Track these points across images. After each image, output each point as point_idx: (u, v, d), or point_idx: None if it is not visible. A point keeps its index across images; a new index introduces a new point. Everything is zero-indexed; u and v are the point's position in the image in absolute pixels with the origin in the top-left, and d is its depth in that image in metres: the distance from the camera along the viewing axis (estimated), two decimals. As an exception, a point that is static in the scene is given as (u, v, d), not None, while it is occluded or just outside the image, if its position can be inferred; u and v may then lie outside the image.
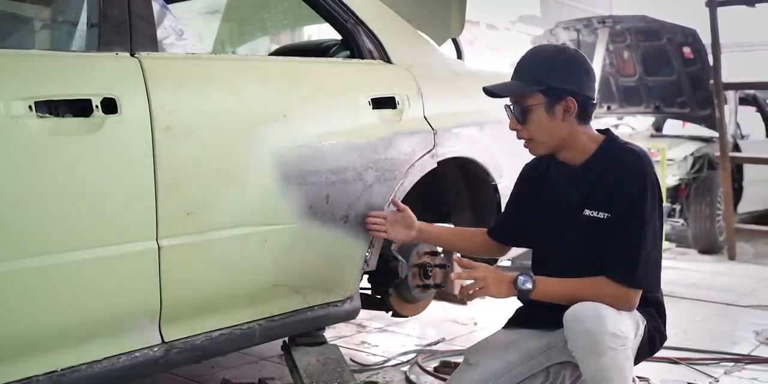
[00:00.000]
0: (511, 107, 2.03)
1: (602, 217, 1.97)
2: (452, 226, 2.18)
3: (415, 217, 2.30)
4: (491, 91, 2.04)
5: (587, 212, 1.99)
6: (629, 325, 1.93)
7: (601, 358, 1.84)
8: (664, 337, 2.09)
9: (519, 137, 2.06)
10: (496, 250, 2.32)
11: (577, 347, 1.88)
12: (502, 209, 2.31)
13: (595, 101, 2.06)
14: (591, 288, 1.93)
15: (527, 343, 2.10)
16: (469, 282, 1.97)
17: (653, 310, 2.07)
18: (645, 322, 2.01)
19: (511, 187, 2.30)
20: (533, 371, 2.09)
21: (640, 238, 1.91)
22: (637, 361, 2.06)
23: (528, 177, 2.23)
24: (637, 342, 1.99)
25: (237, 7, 3.70)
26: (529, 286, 1.93)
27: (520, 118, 2.01)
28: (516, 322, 2.19)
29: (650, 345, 2.04)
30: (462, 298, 3.26)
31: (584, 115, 2.02)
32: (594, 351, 1.84)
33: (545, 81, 1.98)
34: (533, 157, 2.17)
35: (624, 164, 1.96)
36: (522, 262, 4.27)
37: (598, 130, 2.10)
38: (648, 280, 1.94)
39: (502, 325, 2.23)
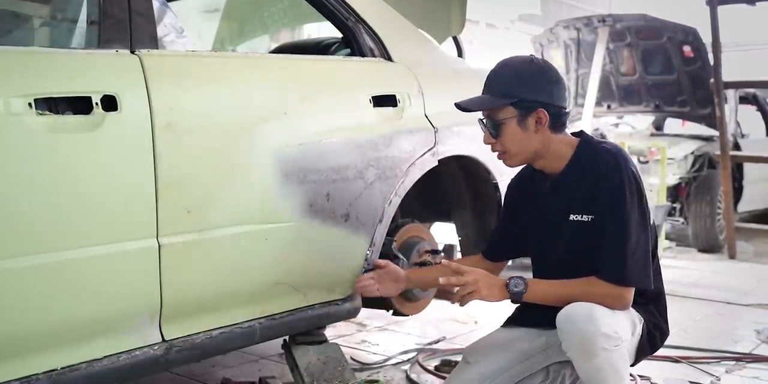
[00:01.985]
0: (484, 121, 2.03)
1: (586, 220, 1.97)
2: (444, 261, 2.18)
3: (399, 268, 2.30)
4: (462, 107, 2.04)
5: (572, 217, 2.00)
6: (624, 325, 1.92)
7: (595, 359, 1.83)
8: (665, 334, 2.09)
9: (493, 150, 2.07)
10: (495, 268, 2.28)
11: (570, 348, 1.88)
12: (503, 207, 2.31)
13: (567, 110, 2.07)
14: (583, 288, 1.92)
15: (526, 342, 2.10)
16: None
17: (652, 307, 2.06)
18: (642, 321, 2.01)
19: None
20: (532, 370, 2.09)
21: (624, 236, 1.91)
22: (638, 359, 2.05)
23: (514, 193, 2.23)
24: (635, 341, 1.99)
25: (237, 5, 3.69)
26: (521, 288, 1.94)
27: (492, 133, 2.02)
28: (515, 320, 2.19)
29: (651, 343, 2.04)
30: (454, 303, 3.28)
31: (557, 124, 2.02)
32: (587, 352, 1.84)
33: (515, 94, 1.98)
34: (518, 168, 2.18)
35: (599, 165, 1.96)
36: (522, 261, 4.26)
37: (573, 133, 2.09)
38: (637, 278, 1.93)
39: (501, 324, 2.22)
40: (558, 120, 2.01)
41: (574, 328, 1.84)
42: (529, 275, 2.13)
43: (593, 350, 1.83)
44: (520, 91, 1.98)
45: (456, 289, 1.98)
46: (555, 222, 2.04)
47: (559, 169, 2.04)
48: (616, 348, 1.85)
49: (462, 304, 1.96)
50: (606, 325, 1.83)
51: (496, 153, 2.07)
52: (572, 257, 2.01)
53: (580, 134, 2.09)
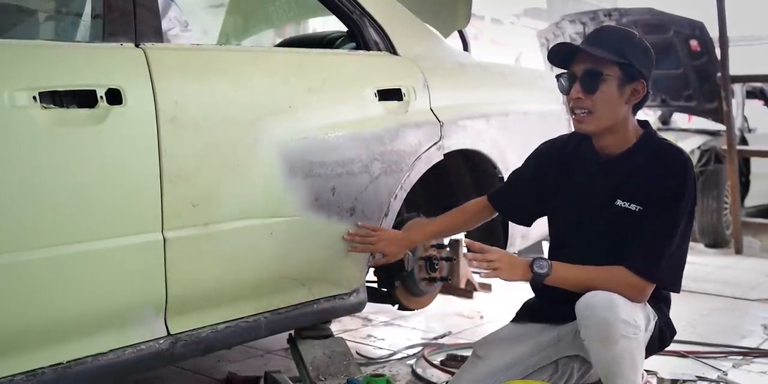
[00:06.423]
0: (579, 74, 1.92)
1: (634, 209, 1.94)
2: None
3: (395, 231, 2.27)
4: (574, 47, 1.93)
5: (619, 202, 1.95)
6: (641, 316, 1.92)
7: (614, 347, 1.83)
8: (674, 332, 2.09)
9: (576, 106, 1.94)
10: (487, 215, 2.30)
11: (589, 336, 1.86)
12: (529, 166, 2.24)
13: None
14: (608, 277, 1.90)
15: (536, 336, 2.09)
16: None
17: (663, 306, 2.06)
18: (656, 318, 2.00)
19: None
20: (542, 364, 2.08)
21: (668, 236, 1.89)
22: (646, 355, 2.05)
23: (547, 157, 2.16)
24: (647, 336, 1.98)
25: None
26: (545, 270, 1.90)
27: (589, 87, 1.90)
28: (524, 315, 2.18)
29: (660, 340, 2.04)
30: (467, 292, 3.25)
31: (641, 104, 1.97)
32: (607, 339, 1.83)
33: (627, 56, 1.91)
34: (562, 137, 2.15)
35: (667, 159, 1.93)
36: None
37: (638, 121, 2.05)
38: (666, 276, 1.92)
39: (511, 319, 2.21)
40: (644, 101, 1.97)
41: (594, 314, 1.83)
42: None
43: (613, 337, 1.82)
44: (631, 55, 1.91)
45: (464, 281, 1.97)
46: (594, 203, 2.00)
47: (619, 151, 1.98)
48: (635, 336, 1.84)
49: (482, 275, 1.94)
50: (626, 313, 1.83)
51: (578, 110, 1.93)
52: (600, 241, 1.98)
53: (644, 124, 2.04)
